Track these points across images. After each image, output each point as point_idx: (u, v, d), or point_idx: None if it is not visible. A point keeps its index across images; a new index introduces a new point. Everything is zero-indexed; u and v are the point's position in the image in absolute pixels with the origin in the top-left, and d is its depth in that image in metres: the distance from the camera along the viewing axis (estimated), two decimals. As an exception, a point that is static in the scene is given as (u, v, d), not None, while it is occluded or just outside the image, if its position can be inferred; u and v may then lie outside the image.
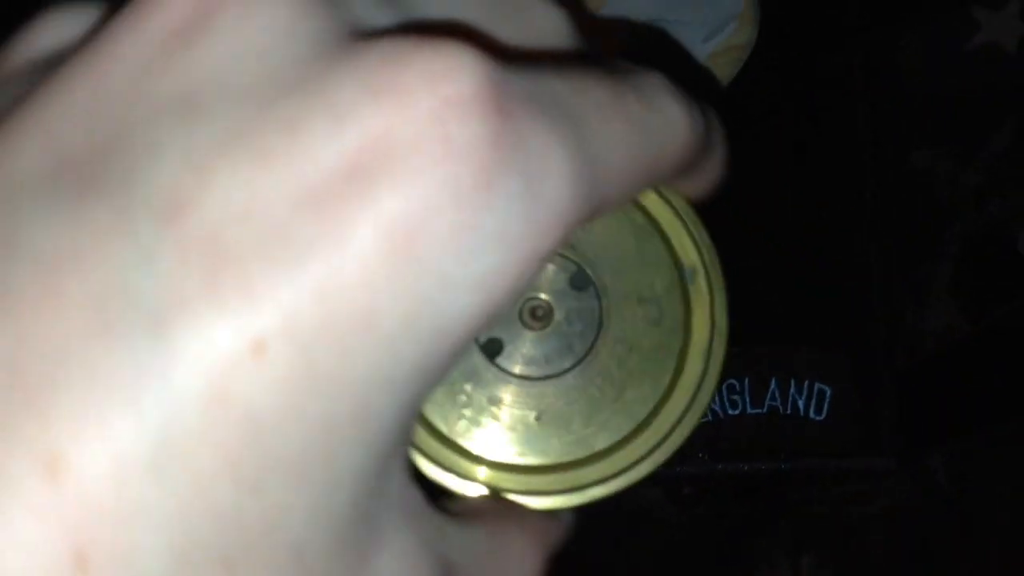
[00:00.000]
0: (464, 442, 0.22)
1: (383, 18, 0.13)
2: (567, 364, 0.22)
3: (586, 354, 0.23)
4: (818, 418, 0.49)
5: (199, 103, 0.11)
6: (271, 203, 0.11)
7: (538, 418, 0.22)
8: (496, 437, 0.22)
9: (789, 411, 0.49)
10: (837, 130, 0.54)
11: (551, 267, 0.22)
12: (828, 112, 0.53)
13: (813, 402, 0.49)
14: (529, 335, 0.23)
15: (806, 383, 0.49)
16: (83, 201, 0.11)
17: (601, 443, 0.22)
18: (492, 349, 0.22)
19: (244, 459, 0.11)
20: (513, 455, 0.22)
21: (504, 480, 0.21)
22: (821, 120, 0.53)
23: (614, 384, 0.22)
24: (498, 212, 0.12)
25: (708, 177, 0.19)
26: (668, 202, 0.23)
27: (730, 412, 0.48)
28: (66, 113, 0.12)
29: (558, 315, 0.23)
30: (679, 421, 0.22)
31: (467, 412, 0.22)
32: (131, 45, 0.12)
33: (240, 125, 0.11)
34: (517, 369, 0.22)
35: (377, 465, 0.12)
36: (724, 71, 0.45)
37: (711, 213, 0.23)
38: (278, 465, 0.11)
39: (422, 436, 0.21)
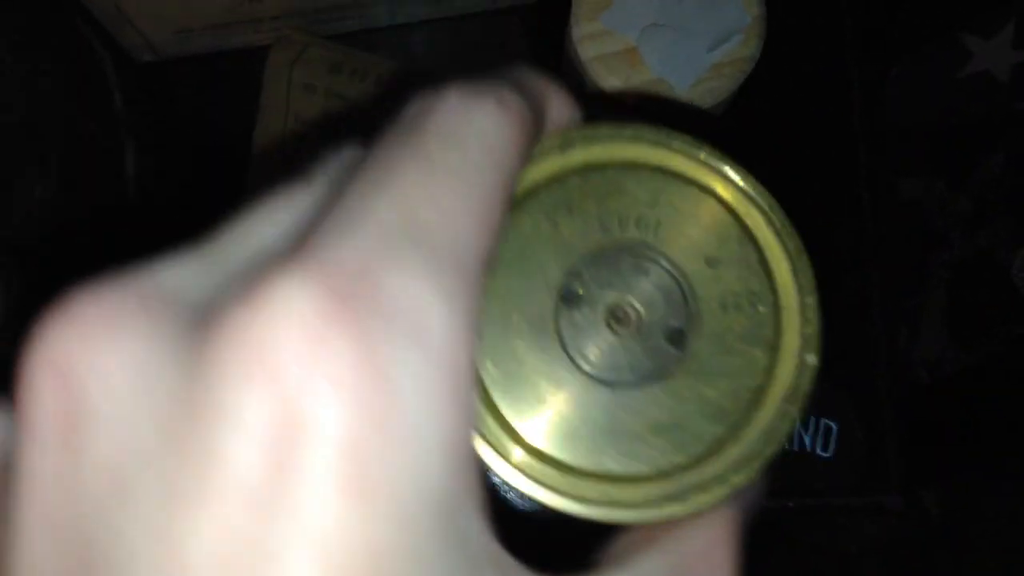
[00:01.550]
0: (538, 443, 0.20)
1: (211, 275, 0.14)
2: (645, 373, 0.21)
3: (668, 366, 0.21)
4: (825, 455, 0.47)
5: (124, 481, 0.12)
6: (235, 526, 0.11)
7: (610, 425, 0.20)
8: (569, 439, 0.20)
9: (797, 448, 0.47)
10: (830, 159, 0.53)
11: (638, 271, 0.21)
12: (822, 141, 0.53)
13: (820, 438, 0.47)
14: (612, 339, 0.21)
15: (812, 419, 0.48)
16: None
17: (672, 460, 0.20)
18: (575, 351, 0.20)
19: None
20: (581, 460, 0.20)
21: (580, 489, 0.19)
22: (815, 148, 0.53)
23: (695, 399, 0.20)
24: (407, 388, 0.12)
25: (560, 116, 0.18)
26: (760, 207, 0.22)
27: (737, 450, 0.47)
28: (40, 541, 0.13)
29: (643, 321, 0.21)
30: (753, 454, 0.20)
31: (538, 409, 0.20)
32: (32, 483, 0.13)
33: (168, 475, 0.12)
34: (596, 373, 0.21)
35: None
36: (727, 82, 0.45)
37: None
38: None
39: (487, 422, 0.20)
